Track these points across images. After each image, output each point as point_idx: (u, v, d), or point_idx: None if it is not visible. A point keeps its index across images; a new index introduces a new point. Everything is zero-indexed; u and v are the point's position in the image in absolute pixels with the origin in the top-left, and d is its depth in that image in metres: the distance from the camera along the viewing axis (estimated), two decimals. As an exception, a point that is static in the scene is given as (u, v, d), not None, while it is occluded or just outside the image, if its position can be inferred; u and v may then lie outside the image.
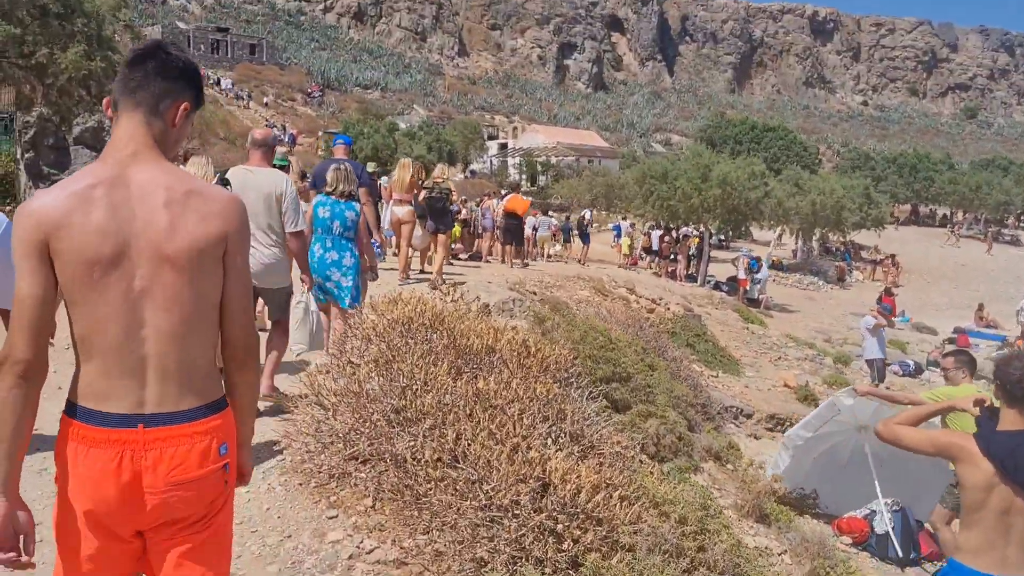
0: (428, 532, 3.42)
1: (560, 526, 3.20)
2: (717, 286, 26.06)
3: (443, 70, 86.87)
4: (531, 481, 3.32)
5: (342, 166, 6.88)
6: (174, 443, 1.92)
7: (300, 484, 3.95)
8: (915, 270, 38.05)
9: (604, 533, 3.26)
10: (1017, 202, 52.46)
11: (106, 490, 1.88)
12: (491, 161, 52.31)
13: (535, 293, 12.87)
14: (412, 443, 3.72)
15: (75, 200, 1.87)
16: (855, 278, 34.03)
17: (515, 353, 4.49)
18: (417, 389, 3.88)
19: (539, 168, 46.56)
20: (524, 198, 17.05)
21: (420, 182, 11.00)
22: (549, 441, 3.68)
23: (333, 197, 6.59)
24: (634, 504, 3.35)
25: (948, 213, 56.34)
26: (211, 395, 2.01)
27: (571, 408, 3.96)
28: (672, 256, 26.15)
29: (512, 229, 15.63)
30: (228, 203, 2.02)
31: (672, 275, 25.98)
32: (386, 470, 3.72)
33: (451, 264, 13.50)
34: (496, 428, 3.60)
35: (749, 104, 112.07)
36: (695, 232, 25.98)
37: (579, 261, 23.04)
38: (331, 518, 3.67)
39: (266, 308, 5.62)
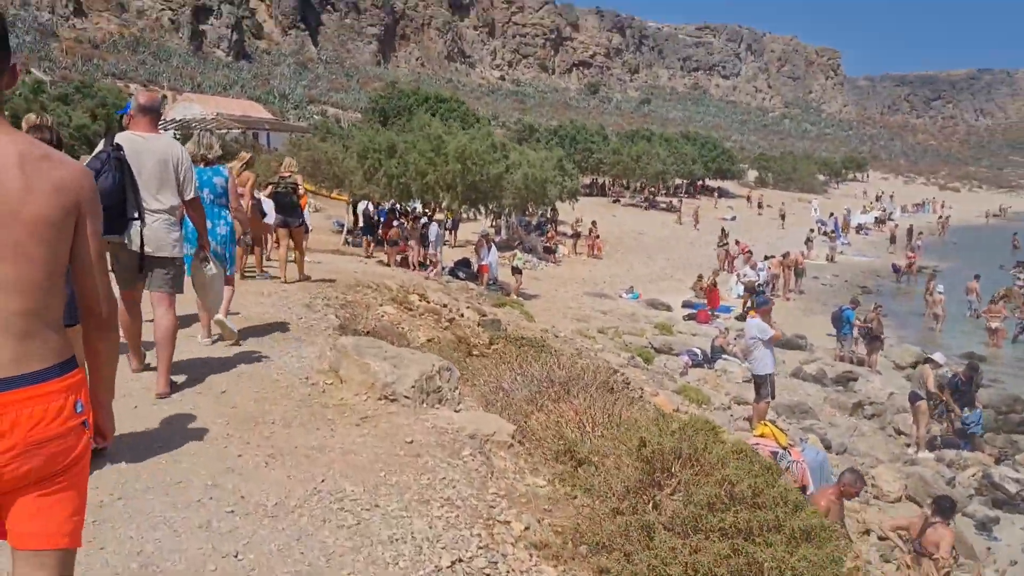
0: None
1: None
2: (453, 273, 23.28)
3: (58, 31, 73.95)
4: None
5: (203, 133, 5.57)
6: (30, 404, 1.95)
7: None
8: (605, 241, 38.24)
9: None
10: (671, 171, 56.10)
11: None
12: (135, 135, 44.34)
13: (337, 317, 9.03)
14: None
15: None
16: (561, 253, 33.14)
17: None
18: None
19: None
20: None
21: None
22: None
23: (199, 165, 6.57)
24: None
25: (625, 183, 58.70)
26: (62, 354, 2.04)
27: None
28: (402, 240, 22.81)
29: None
30: (81, 172, 2.07)
31: (404, 263, 22.71)
32: None
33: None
34: None
35: (396, 77, 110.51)
36: (424, 211, 22.90)
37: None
38: None
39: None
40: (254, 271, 11.67)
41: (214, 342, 6.40)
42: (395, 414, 4.87)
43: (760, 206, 59.78)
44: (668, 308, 24.62)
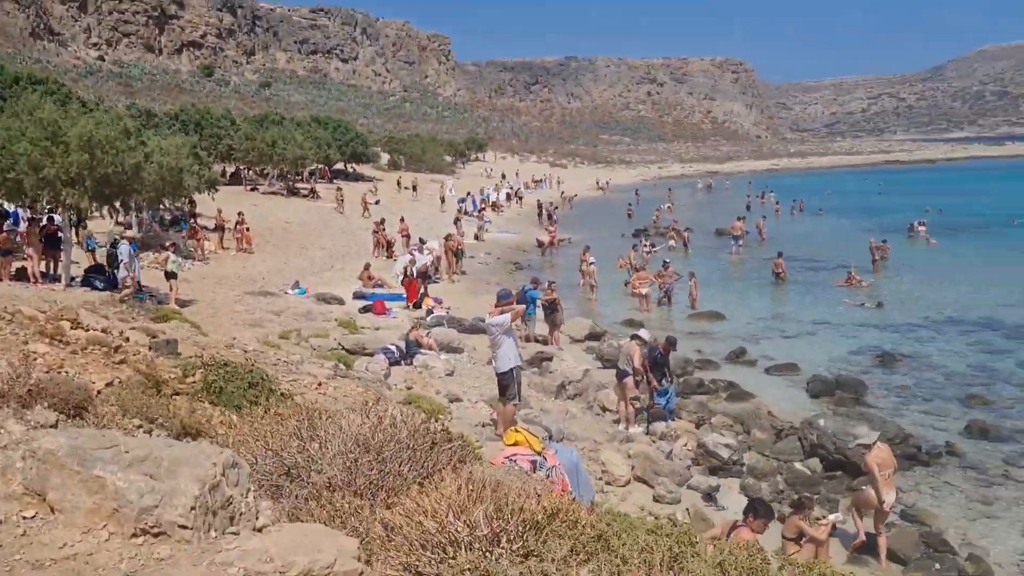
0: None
1: None
2: (88, 282, 19.55)
3: None
4: None
5: None
6: None
7: None
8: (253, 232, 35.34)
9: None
10: (311, 156, 53.81)
11: None
12: None
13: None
14: None
15: None
16: (208, 248, 29.89)
17: None
18: None
19: None
20: None
21: None
22: None
23: None
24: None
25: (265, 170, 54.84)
26: None
27: None
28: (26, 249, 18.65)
29: None
30: None
31: (21, 276, 18.60)
32: None
33: None
34: None
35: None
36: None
37: None
38: None
39: None
40: None
41: None
42: (171, 561, 2.95)
43: (414, 188, 60.55)
44: (341, 301, 23.02)
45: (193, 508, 3.10)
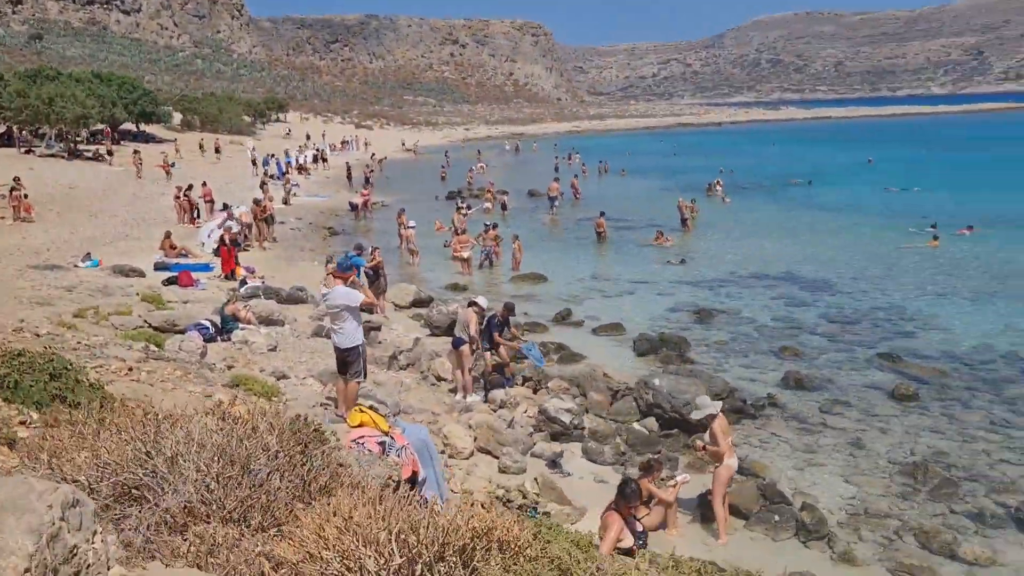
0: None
1: None
2: None
3: None
4: None
5: None
6: None
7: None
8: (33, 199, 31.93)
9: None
10: (95, 115, 49.27)
11: None
12: None
13: None
14: None
15: None
16: (-20, 219, 26.65)
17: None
18: None
19: None
20: None
21: None
22: None
23: None
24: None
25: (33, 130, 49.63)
26: None
27: None
28: None
29: None
30: None
31: None
32: None
33: None
34: None
35: None
36: None
37: None
38: None
39: None
40: None
41: None
42: None
43: (217, 151, 57.58)
44: (141, 274, 21.14)
45: (28, 570, 2.36)
